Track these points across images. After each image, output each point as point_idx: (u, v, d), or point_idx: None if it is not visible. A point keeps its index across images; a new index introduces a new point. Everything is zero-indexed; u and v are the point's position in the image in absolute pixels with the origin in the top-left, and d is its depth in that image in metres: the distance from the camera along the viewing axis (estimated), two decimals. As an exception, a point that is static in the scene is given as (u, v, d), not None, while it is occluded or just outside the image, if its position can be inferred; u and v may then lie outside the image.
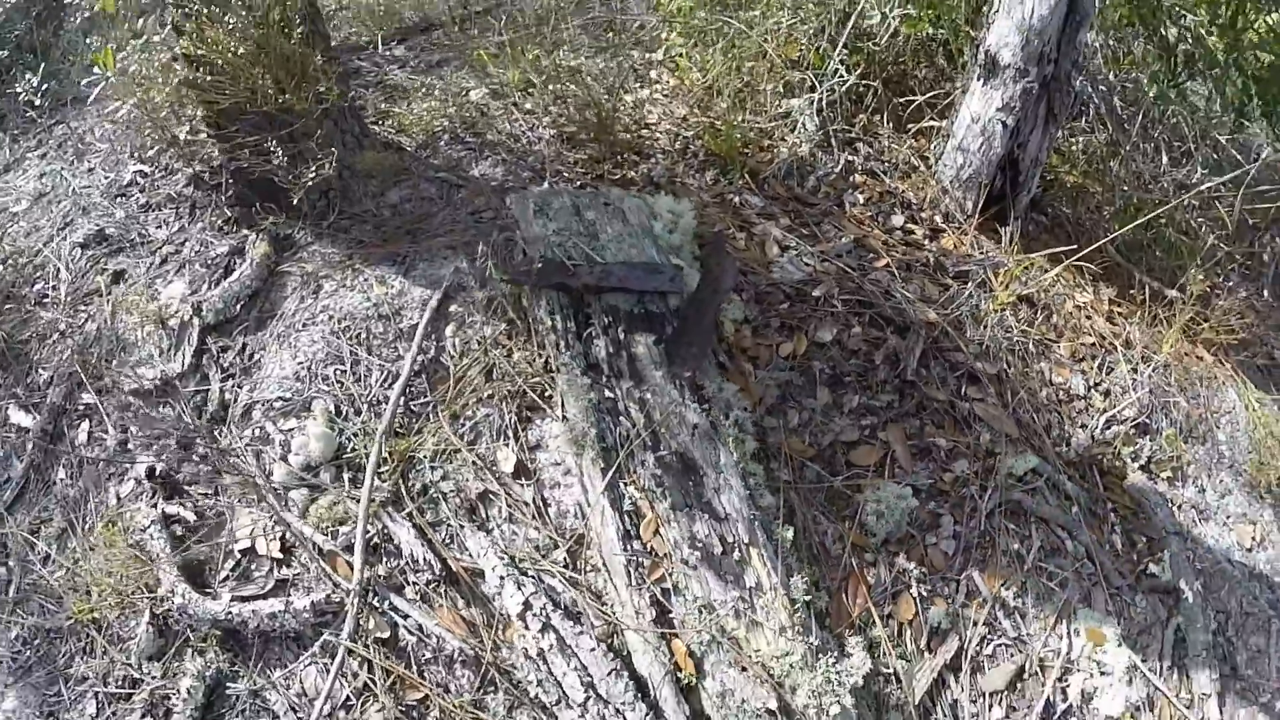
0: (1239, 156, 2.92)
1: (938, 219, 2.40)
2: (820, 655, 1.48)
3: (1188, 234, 2.86)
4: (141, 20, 3.31)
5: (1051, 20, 2.30)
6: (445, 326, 2.01)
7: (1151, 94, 2.68)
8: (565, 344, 1.72)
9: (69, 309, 2.53)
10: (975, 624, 1.79)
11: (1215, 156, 2.85)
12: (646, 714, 1.40)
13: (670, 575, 1.52)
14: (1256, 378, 2.76)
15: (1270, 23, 3.00)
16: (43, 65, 3.75)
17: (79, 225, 2.85)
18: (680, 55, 2.65)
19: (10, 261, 2.87)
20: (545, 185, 2.26)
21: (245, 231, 2.48)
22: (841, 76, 2.41)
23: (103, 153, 3.36)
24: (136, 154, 3.12)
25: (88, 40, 3.88)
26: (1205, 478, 2.30)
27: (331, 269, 2.22)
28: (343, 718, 1.55)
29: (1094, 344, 2.36)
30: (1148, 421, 2.28)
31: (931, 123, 2.57)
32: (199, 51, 2.06)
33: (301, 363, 2.05)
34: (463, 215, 2.30)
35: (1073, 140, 2.86)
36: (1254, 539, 2.27)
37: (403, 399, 1.87)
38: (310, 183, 2.11)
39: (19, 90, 3.64)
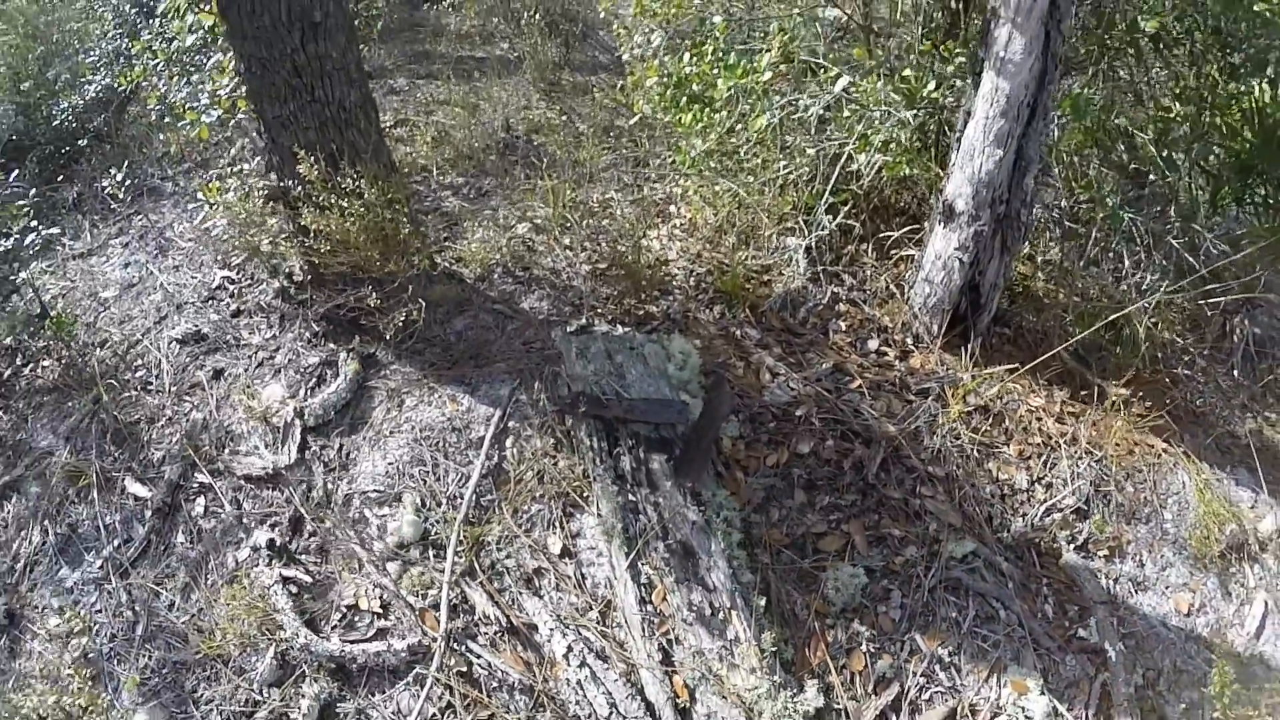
0: (1190, 259, 3.72)
1: (908, 341, 3.28)
2: (781, 690, 2.33)
3: (1147, 335, 3.68)
4: (234, 150, 4.41)
5: (1000, 171, 3.19)
6: (506, 439, 2.96)
7: (1100, 215, 3.53)
8: (599, 459, 2.65)
9: (174, 398, 3.55)
10: (915, 674, 2.61)
11: (1164, 262, 3.67)
12: (653, 728, 2.27)
13: (673, 630, 2.40)
14: (1215, 456, 3.54)
15: (1249, 103, 3.84)
16: (126, 162, 4.91)
17: (175, 322, 3.93)
18: (694, 195, 3.62)
19: (111, 347, 3.95)
20: (583, 320, 3.21)
21: (332, 345, 3.50)
22: (829, 219, 3.34)
23: (187, 252, 4.48)
24: (221, 259, 4.22)
25: (160, 136, 5.03)
26: (1146, 553, 3.10)
27: (411, 386, 3.20)
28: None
29: (1041, 443, 3.19)
30: (1085, 508, 3.09)
31: (909, 251, 3.47)
32: (315, 226, 3.09)
33: (391, 463, 3.02)
34: (516, 345, 3.27)
35: (1037, 253, 3.73)
36: (1192, 605, 3.04)
37: (474, 496, 2.80)
38: (400, 323, 3.11)
39: (105, 183, 4.81)
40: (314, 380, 3.37)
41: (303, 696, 2.54)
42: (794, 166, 3.48)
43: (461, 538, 2.68)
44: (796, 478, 2.88)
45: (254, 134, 3.49)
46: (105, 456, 3.36)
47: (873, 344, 3.30)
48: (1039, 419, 3.26)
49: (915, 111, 3.32)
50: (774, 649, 2.40)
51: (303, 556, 2.88)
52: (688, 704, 2.31)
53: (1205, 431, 3.59)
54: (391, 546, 2.74)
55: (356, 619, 2.69)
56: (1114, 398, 3.30)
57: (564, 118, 4.62)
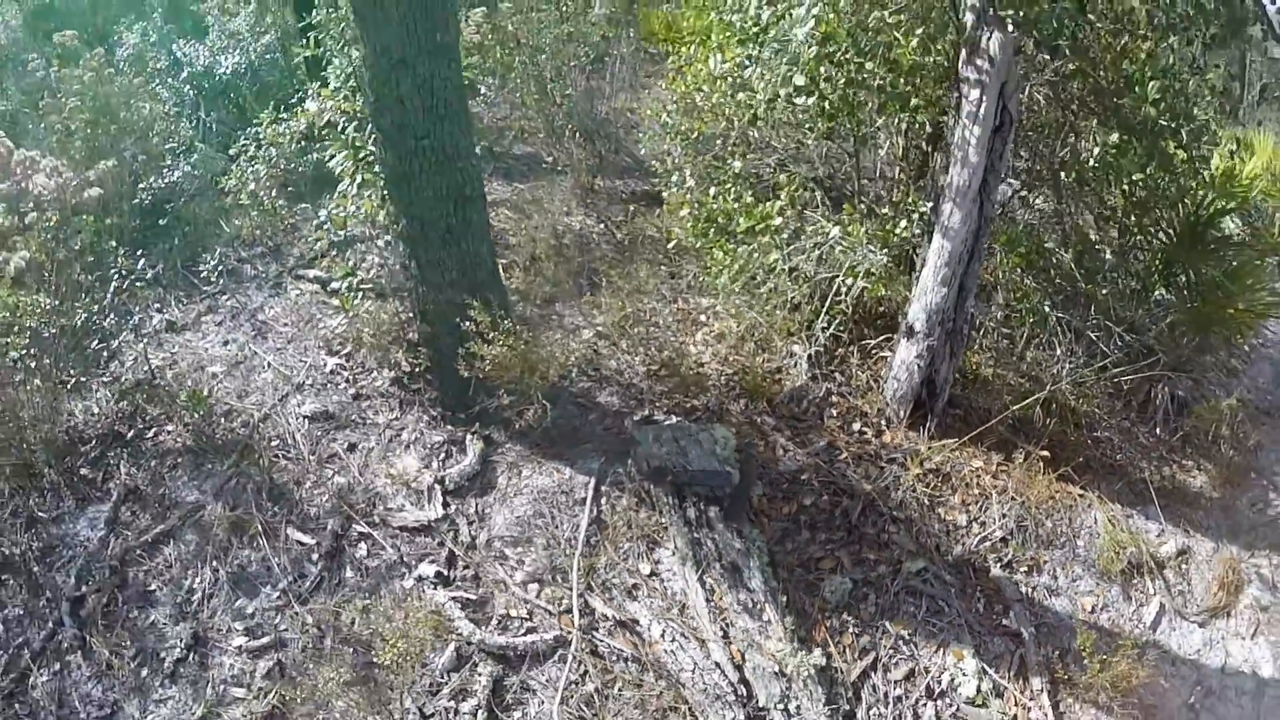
0: (1104, 347, 6.52)
1: (882, 422, 6.04)
2: (799, 652, 5.03)
3: (1070, 407, 6.47)
4: (353, 255, 6.93)
5: (946, 302, 5.97)
6: (601, 498, 5.64)
7: (1031, 319, 6.34)
8: (673, 510, 5.37)
9: (315, 465, 6.11)
10: (886, 648, 5.31)
11: (1082, 352, 6.47)
12: (720, 676, 4.95)
13: (728, 618, 5.10)
14: (1128, 498, 6.33)
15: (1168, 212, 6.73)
16: (217, 247, 7.42)
17: (299, 400, 6.44)
18: (721, 312, 6.40)
19: (240, 418, 6.40)
20: (646, 412, 5.93)
21: (450, 427, 6.15)
22: (824, 333, 6.11)
23: (287, 335, 7.09)
24: (328, 347, 6.84)
25: (236, 222, 7.56)
26: (1059, 570, 5.86)
27: (524, 461, 5.88)
28: (576, 689, 5.11)
29: (978, 493, 5.94)
30: (1010, 537, 5.85)
31: (885, 354, 6.23)
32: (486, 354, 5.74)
33: (519, 516, 5.68)
34: (598, 430, 5.96)
35: (984, 349, 6.53)
36: (1096, 606, 5.80)
37: (585, 537, 5.48)
38: (532, 418, 5.80)
39: (181, 260, 7.29)
40: (443, 454, 6.04)
41: (480, 675, 5.19)
42: (798, 291, 6.26)
43: (580, 566, 5.36)
44: (803, 521, 5.61)
45: (398, 265, 6.14)
46: (264, 510, 5.80)
47: (856, 426, 6.07)
48: (978, 476, 6.02)
49: (888, 249, 6.11)
50: (793, 629, 5.10)
51: (460, 583, 5.54)
52: (741, 663, 4.99)
53: (1120, 479, 6.43)
54: (529, 574, 5.41)
55: (509, 624, 5.33)
56: (1036, 457, 6.08)
57: (602, 225, 7.38)
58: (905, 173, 6.54)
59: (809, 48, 5.47)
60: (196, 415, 6.11)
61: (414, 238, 5.79)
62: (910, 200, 6.19)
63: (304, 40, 7.41)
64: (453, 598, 5.34)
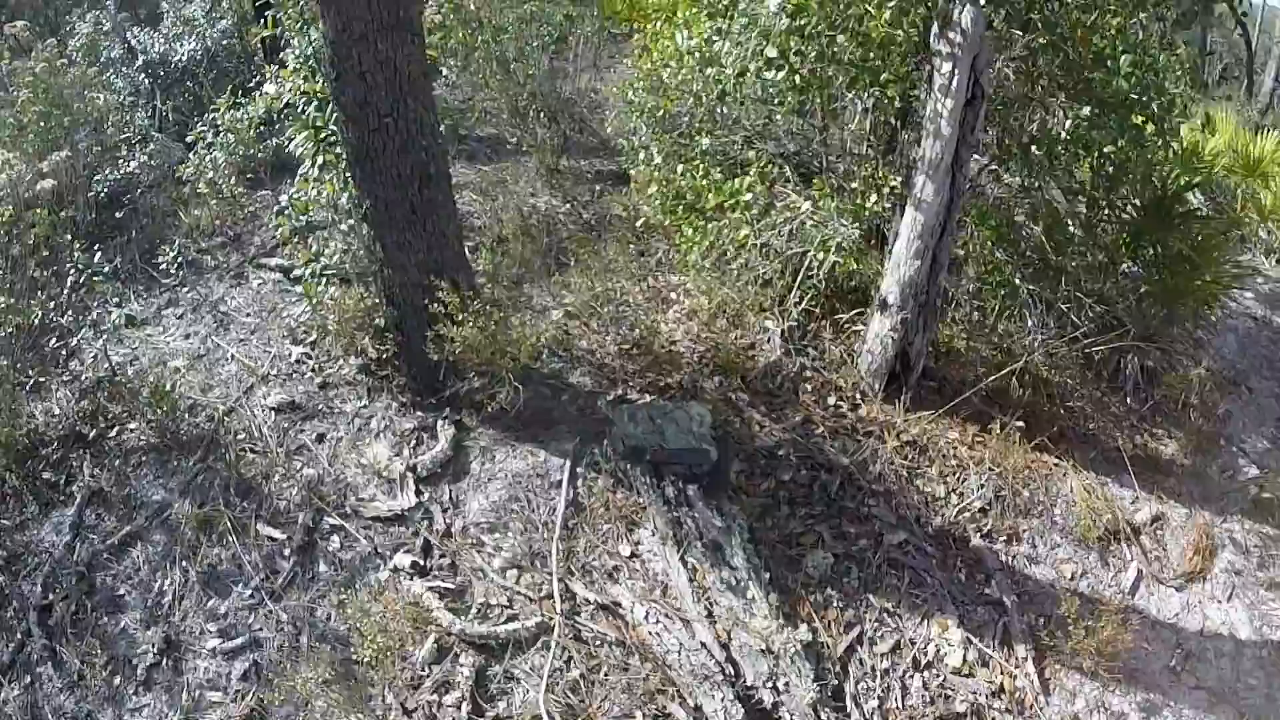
0: (1074, 318, 6.52)
1: (858, 396, 5.99)
2: (784, 629, 4.96)
3: (1042, 377, 6.47)
4: (315, 241, 6.73)
5: (919, 275, 5.91)
6: (577, 480, 5.54)
7: (1003, 292, 6.32)
8: (651, 490, 5.27)
9: (283, 458, 5.92)
10: (871, 621, 5.26)
11: (1053, 322, 6.47)
12: (706, 656, 4.88)
13: (712, 597, 5.02)
14: (1102, 466, 6.33)
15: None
16: (176, 239, 7.23)
17: (265, 393, 6.25)
18: (692, 289, 6.31)
19: (205, 413, 6.23)
20: (619, 391, 5.83)
21: (420, 414, 6.00)
22: (797, 309, 6.05)
23: (250, 326, 6.90)
24: (292, 336, 6.65)
25: (195, 212, 7.37)
26: (1038, 539, 5.83)
27: (497, 445, 5.75)
28: (561, 675, 5.00)
29: (956, 465, 5.91)
30: (988, 508, 5.83)
31: (857, 328, 6.19)
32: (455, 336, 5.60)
33: (494, 501, 5.55)
34: (571, 411, 5.84)
35: (957, 321, 6.51)
36: (1075, 573, 5.79)
37: (562, 520, 5.37)
38: (504, 401, 5.65)
39: (138, 253, 7.09)
40: (414, 441, 5.90)
41: (462, 666, 5.06)
42: (769, 266, 6.19)
43: (559, 550, 5.25)
44: (782, 497, 5.53)
45: (363, 248, 5.97)
46: (232, 507, 5.63)
47: (831, 400, 6.00)
48: (955, 448, 5.99)
49: (859, 224, 6.05)
50: (777, 606, 5.02)
51: (437, 573, 5.40)
52: (727, 641, 4.91)
53: (1093, 448, 6.43)
54: (507, 560, 5.29)
55: (490, 612, 5.19)
56: (1011, 427, 6.07)
57: (568, 205, 7.27)
58: (874, 148, 6.48)
59: (780, 20, 5.38)
60: (160, 412, 5.96)
61: (378, 219, 5.65)
62: (880, 174, 6.14)
63: (260, 20, 7.26)
64: (430, 588, 5.22)
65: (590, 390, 5.96)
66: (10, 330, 5.83)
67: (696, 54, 6.29)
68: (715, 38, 6.18)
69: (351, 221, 6.19)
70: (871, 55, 5.68)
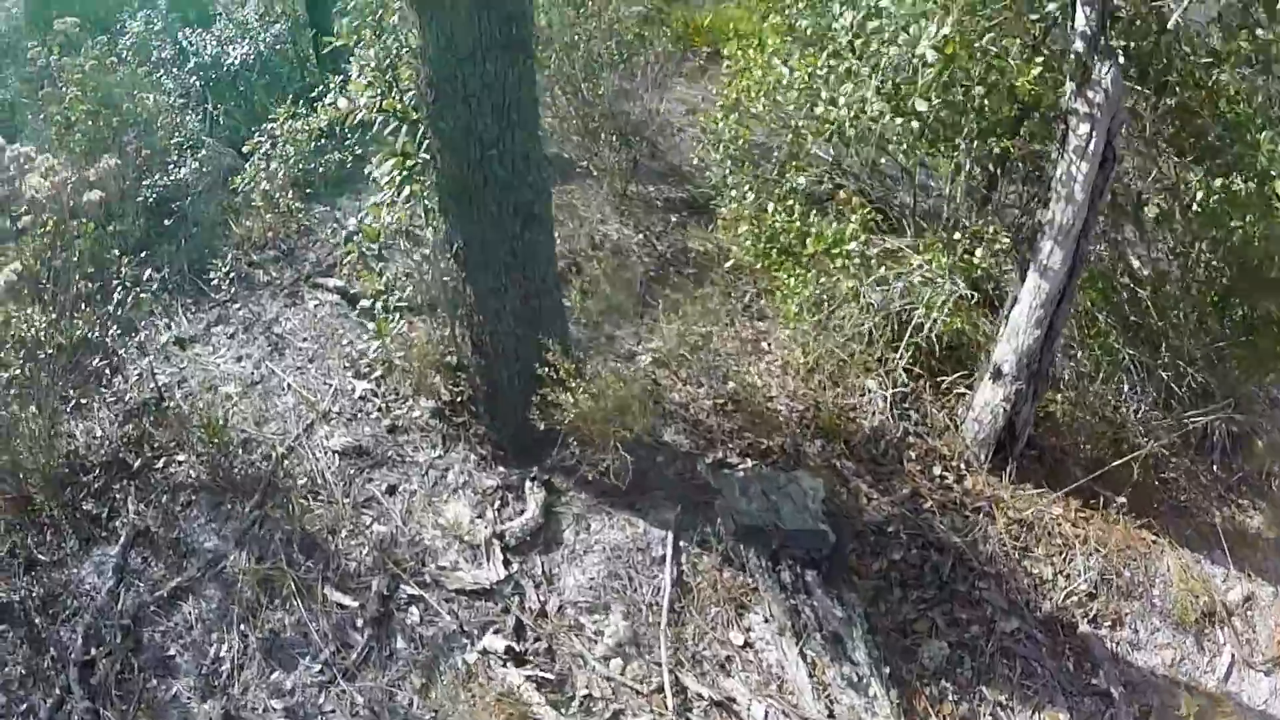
0: (1175, 387, 6.30)
1: (962, 466, 5.71)
2: (904, 729, 4.72)
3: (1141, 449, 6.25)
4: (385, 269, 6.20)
5: (1037, 342, 5.63)
6: (680, 556, 5.21)
7: (1105, 365, 6.07)
8: (766, 573, 4.96)
9: (351, 510, 5.45)
10: (985, 715, 5.04)
11: (1154, 390, 6.24)
12: (826, 758, 4.62)
13: (832, 694, 4.75)
14: (1195, 542, 6.12)
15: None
16: (230, 255, 6.75)
17: (327, 433, 5.75)
18: (788, 340, 5.97)
19: (261, 450, 5.62)
20: (719, 454, 5.49)
21: (502, 469, 5.59)
22: (903, 367, 5.74)
23: (307, 353, 6.40)
24: (354, 369, 6.17)
25: (247, 223, 6.89)
26: (1139, 623, 5.62)
27: (591, 512, 5.37)
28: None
29: (1061, 544, 5.67)
30: (1094, 591, 5.61)
31: (960, 390, 5.90)
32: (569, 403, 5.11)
33: (592, 578, 5.19)
34: (669, 474, 5.48)
35: (1060, 389, 6.25)
36: (1175, 659, 5.61)
37: (668, 603, 5.04)
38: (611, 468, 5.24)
39: (186, 264, 6.62)
40: (498, 502, 5.49)
41: (563, 762, 4.75)
42: (870, 320, 5.86)
43: (667, 637, 4.93)
44: (894, 578, 5.24)
45: (450, 287, 5.39)
46: (295, 565, 5.15)
47: (937, 470, 5.72)
48: (1059, 524, 5.74)
49: (968, 283, 5.74)
50: (898, 702, 4.79)
51: (533, 659, 5.04)
52: (847, 741, 4.67)
53: (1186, 523, 6.19)
54: (610, 647, 4.95)
55: (593, 706, 4.84)
56: (1115, 505, 5.85)
57: (640, 235, 6.86)
58: (973, 197, 6.15)
59: (926, 68, 5.00)
60: (211, 445, 5.52)
61: (473, 261, 5.18)
62: (992, 230, 5.82)
63: (314, 28, 6.81)
64: (527, 677, 4.81)
65: (687, 451, 5.60)
66: (51, 351, 5.33)
67: (801, 88, 5.88)
68: (825, 73, 5.76)
69: (425, 252, 5.75)
70: (1010, 109, 5.34)
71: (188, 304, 6.71)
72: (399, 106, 5.62)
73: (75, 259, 5.53)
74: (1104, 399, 6.20)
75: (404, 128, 5.49)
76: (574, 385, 4.87)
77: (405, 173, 5.43)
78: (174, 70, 7.63)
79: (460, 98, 4.76)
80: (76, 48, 7.13)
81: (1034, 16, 5.26)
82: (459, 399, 5.76)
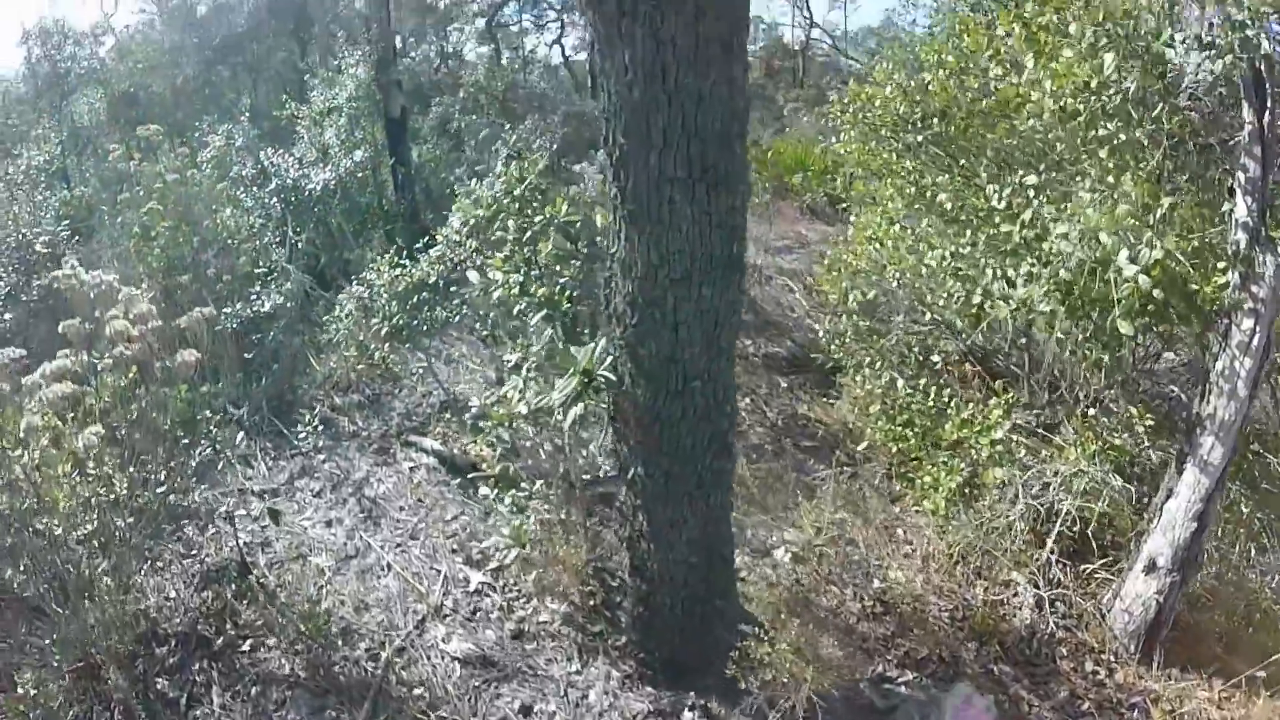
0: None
1: (1112, 659, 5.66)
2: None
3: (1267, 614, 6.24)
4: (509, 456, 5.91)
5: (1191, 536, 5.57)
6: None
7: (1240, 536, 6.03)
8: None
9: None
10: None
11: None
12: None
13: None
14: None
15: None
16: (316, 406, 6.46)
17: (442, 631, 5.19)
18: (929, 532, 5.85)
19: (367, 647, 5.10)
20: (878, 667, 5.38)
21: (650, 689, 5.37)
22: (1054, 560, 5.66)
23: (405, 527, 6.07)
24: (461, 551, 5.90)
25: (331, 363, 6.65)
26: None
27: (761, 751, 5.26)
28: None
29: (1214, 736, 5.69)
30: (1247, 789, 5.63)
31: (1103, 575, 5.84)
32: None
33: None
34: (832, 693, 5.41)
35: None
36: None
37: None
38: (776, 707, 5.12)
39: (294, 419, 6.31)
40: (652, 736, 5.32)
41: None
42: (1014, 511, 5.77)
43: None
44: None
45: (627, 510, 5.01)
46: None
47: (1089, 665, 5.65)
48: (1205, 710, 5.76)
49: (1119, 472, 5.66)
50: None
51: None
52: None
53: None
54: None
55: None
56: (1258, 680, 5.84)
57: (748, 399, 6.67)
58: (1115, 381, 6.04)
59: (1124, 283, 4.85)
60: (306, 632, 5.00)
61: (654, 491, 4.75)
62: (1140, 415, 5.73)
63: (393, 155, 6.46)
64: None
65: (841, 662, 5.50)
66: (129, 520, 4.89)
67: (945, 267, 5.72)
68: (969, 250, 5.59)
69: (558, 441, 5.51)
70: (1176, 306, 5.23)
71: (267, 448, 6.30)
72: (546, 294, 5.32)
73: (165, 424, 5.09)
74: (1239, 569, 6.17)
75: (553, 317, 5.15)
76: (775, 640, 4.68)
77: (582, 391, 4.91)
78: (254, 189, 7.26)
79: (669, 325, 4.35)
80: (156, 154, 6.84)
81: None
82: (593, 604, 5.54)
